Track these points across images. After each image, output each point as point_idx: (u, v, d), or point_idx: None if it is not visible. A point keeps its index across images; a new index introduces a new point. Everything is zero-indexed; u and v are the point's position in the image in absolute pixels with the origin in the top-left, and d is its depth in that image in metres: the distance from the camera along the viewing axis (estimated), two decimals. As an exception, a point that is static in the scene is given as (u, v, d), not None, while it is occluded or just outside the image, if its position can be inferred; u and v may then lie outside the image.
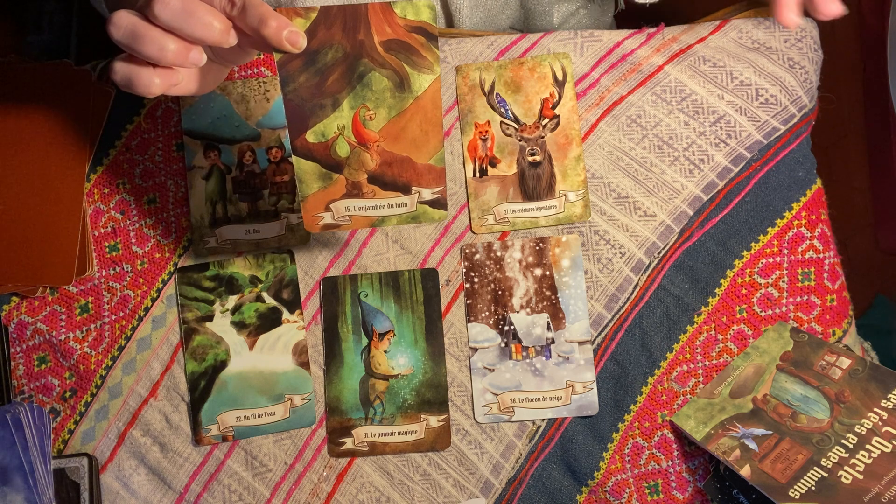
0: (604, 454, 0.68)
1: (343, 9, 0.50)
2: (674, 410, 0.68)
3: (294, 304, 0.69)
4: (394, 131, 0.54)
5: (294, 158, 0.53)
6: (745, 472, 0.60)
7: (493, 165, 0.70)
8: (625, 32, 0.71)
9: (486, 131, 0.70)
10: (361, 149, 0.54)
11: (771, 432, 0.62)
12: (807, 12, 0.55)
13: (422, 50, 0.52)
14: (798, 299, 0.68)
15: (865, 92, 1.40)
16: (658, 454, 0.68)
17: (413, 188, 0.56)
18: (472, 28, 0.79)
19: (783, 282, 0.68)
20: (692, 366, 0.68)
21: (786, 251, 0.68)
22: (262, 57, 0.71)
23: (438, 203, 0.56)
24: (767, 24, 0.70)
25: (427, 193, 0.56)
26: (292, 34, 0.46)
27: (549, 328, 0.68)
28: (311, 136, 0.53)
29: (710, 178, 0.69)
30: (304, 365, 0.68)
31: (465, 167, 0.70)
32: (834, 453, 0.58)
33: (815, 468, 0.58)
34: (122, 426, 0.69)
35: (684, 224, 0.69)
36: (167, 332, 0.69)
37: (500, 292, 0.68)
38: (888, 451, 0.57)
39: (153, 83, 0.47)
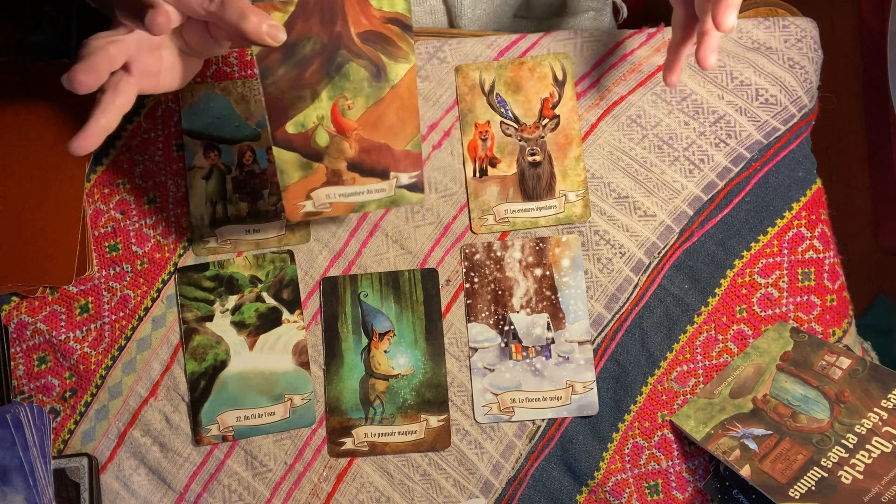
0: (604, 454, 0.68)
1: (320, 1, 0.50)
2: (674, 410, 0.68)
3: (294, 304, 0.69)
4: (371, 119, 0.54)
5: (274, 149, 0.53)
6: (745, 472, 0.60)
7: (493, 165, 0.70)
8: (625, 32, 0.71)
9: (486, 131, 0.70)
10: (340, 137, 0.54)
11: (771, 432, 0.62)
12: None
13: (398, 40, 0.52)
14: (798, 299, 0.68)
15: (865, 92, 1.40)
16: (658, 454, 0.68)
17: (391, 173, 0.57)
18: (477, 20, 0.79)
19: (783, 282, 0.68)
20: (692, 366, 0.68)
21: (786, 251, 0.68)
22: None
23: (415, 187, 0.58)
24: (767, 24, 0.70)
25: (405, 178, 0.57)
26: (272, 28, 0.47)
27: (549, 328, 0.68)
28: (290, 127, 0.53)
29: (710, 178, 0.69)
30: (304, 365, 0.68)
31: (465, 167, 0.70)
32: (834, 453, 0.58)
33: (815, 468, 0.58)
34: (122, 426, 0.69)
35: (684, 224, 0.69)
36: (167, 332, 0.69)
37: (500, 292, 0.68)
38: (888, 451, 0.57)
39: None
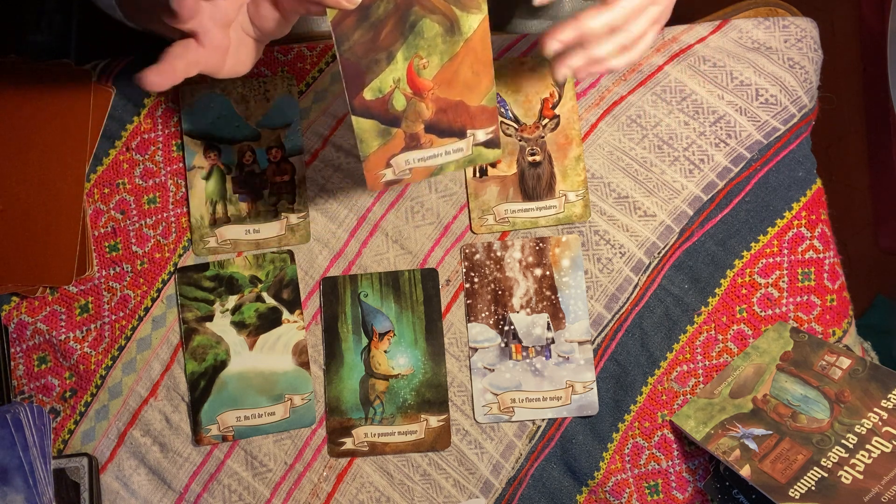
0: (604, 454, 0.68)
1: None
2: (674, 410, 0.68)
3: (294, 304, 0.69)
4: (447, 77, 0.53)
5: (353, 118, 0.52)
6: (745, 472, 0.60)
7: (493, 165, 0.70)
8: (625, 32, 0.71)
9: (486, 131, 0.70)
10: (417, 99, 0.53)
11: (771, 432, 0.62)
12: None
13: None
14: (798, 299, 0.68)
15: (865, 92, 1.40)
16: (658, 454, 0.68)
17: (468, 131, 0.56)
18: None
19: (783, 282, 0.68)
20: (692, 366, 0.68)
21: (786, 251, 0.68)
22: (262, 56, 0.71)
23: (492, 143, 0.57)
24: (767, 24, 0.70)
25: (481, 135, 0.56)
26: None
27: (549, 328, 0.68)
28: (368, 94, 0.52)
29: (710, 178, 0.69)
30: (304, 365, 0.68)
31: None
32: (834, 453, 0.58)
33: (815, 468, 0.58)
34: (122, 426, 0.69)
35: (684, 224, 0.69)
36: (167, 332, 0.69)
37: (500, 292, 0.68)
38: (888, 451, 0.57)
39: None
